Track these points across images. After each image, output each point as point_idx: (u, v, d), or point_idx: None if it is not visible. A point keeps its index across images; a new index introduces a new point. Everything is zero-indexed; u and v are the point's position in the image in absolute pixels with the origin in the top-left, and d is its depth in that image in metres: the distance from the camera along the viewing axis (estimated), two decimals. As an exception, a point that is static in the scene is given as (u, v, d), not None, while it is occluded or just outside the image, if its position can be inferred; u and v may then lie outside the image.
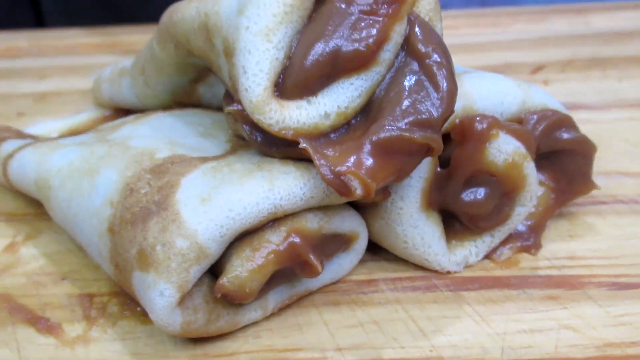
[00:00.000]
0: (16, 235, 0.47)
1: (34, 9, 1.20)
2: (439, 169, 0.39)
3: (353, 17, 0.35)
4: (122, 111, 0.57)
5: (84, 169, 0.41)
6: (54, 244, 0.46)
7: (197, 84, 0.48)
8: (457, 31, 0.77)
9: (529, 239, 0.43)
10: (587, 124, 0.56)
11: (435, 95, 0.35)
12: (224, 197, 0.35)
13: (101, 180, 0.39)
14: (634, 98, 0.61)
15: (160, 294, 0.34)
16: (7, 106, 0.64)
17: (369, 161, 0.34)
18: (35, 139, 0.51)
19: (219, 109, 0.48)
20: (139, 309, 0.40)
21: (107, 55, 0.74)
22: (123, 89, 0.54)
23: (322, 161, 0.34)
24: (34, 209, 0.49)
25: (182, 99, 0.50)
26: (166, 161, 0.39)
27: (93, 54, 0.75)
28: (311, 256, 0.36)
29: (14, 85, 0.68)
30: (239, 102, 0.36)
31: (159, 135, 0.43)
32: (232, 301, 0.36)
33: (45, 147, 0.45)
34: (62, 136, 0.52)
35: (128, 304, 0.40)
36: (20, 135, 0.52)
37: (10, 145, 0.49)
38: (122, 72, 0.54)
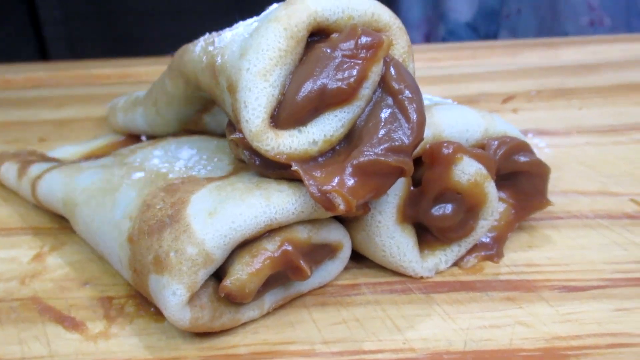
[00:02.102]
0: (43, 246, 0.53)
1: (38, 42, 1.25)
2: (412, 188, 0.45)
3: (337, 60, 0.41)
4: (135, 137, 0.63)
5: (106, 188, 0.47)
6: (76, 254, 0.52)
7: (203, 113, 0.55)
8: (439, 63, 0.83)
9: (492, 249, 0.49)
10: (549, 149, 0.62)
11: (407, 125, 0.41)
12: (227, 212, 0.40)
13: (121, 197, 0.46)
14: (591, 125, 0.67)
15: (173, 293, 0.40)
16: (30, 132, 0.70)
17: (350, 181, 0.40)
18: (58, 162, 0.57)
19: (222, 135, 0.54)
20: (152, 309, 0.45)
21: (119, 86, 0.80)
22: (136, 118, 0.60)
23: (310, 181, 0.40)
24: (57, 224, 0.55)
25: (189, 127, 0.56)
26: (177, 181, 0.45)
27: (106, 84, 0.82)
28: (301, 262, 0.42)
29: (35, 113, 0.74)
30: (241, 131, 0.42)
31: (171, 159, 0.49)
32: (233, 300, 0.41)
33: (70, 169, 0.51)
34: (83, 159, 0.58)
35: (143, 305, 0.46)
36: (44, 158, 0.58)
37: (37, 167, 0.55)
38: (135, 103, 0.61)
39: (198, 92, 0.51)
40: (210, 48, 0.45)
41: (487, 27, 1.11)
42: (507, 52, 0.85)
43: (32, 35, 1.25)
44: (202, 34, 0.49)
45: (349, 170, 0.40)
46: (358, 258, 0.48)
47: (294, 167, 0.41)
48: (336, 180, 0.40)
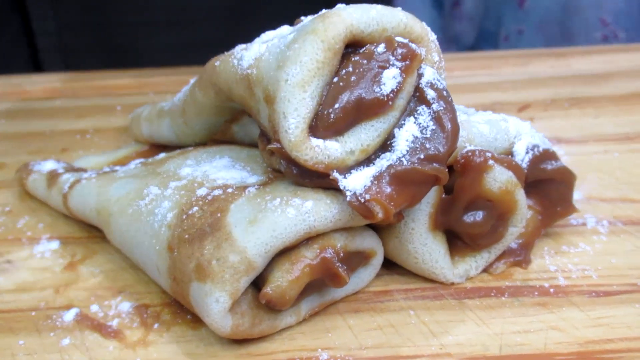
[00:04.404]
0: (74, 255, 0.53)
1: (32, 53, 1.26)
2: (444, 196, 0.46)
3: (373, 71, 0.42)
4: (159, 146, 0.64)
5: (140, 197, 0.48)
6: (108, 263, 0.52)
7: (232, 123, 0.55)
8: (452, 73, 0.84)
9: (520, 255, 0.50)
10: (567, 156, 0.64)
11: (442, 135, 0.42)
12: (268, 220, 0.41)
13: (158, 206, 0.46)
14: (607, 133, 0.68)
15: (216, 300, 0.41)
16: (51, 143, 0.71)
17: (388, 190, 0.41)
18: (85, 171, 0.58)
19: (251, 145, 0.55)
20: (189, 316, 0.46)
21: (137, 97, 0.81)
22: (162, 128, 0.60)
23: (349, 190, 0.41)
24: (87, 233, 0.55)
25: (217, 137, 0.57)
26: (214, 190, 0.45)
27: (124, 95, 0.82)
28: (339, 269, 0.43)
29: (55, 124, 0.75)
30: (278, 141, 0.43)
31: (204, 168, 0.49)
32: (273, 307, 0.42)
33: (102, 179, 0.52)
34: (112, 166, 0.59)
35: (179, 312, 0.46)
36: (72, 169, 0.59)
37: (67, 178, 0.55)
38: (160, 113, 0.61)
39: (229, 102, 0.51)
40: (244, 59, 0.46)
41: (488, 49, 1.13)
42: (519, 61, 0.87)
43: (25, 46, 1.26)
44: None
45: (386, 179, 0.41)
46: (388, 265, 0.49)
47: (333, 176, 0.41)
48: (374, 188, 0.41)
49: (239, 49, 0.48)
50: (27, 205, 0.60)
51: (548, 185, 0.50)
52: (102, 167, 0.61)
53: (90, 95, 0.82)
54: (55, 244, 0.54)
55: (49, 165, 0.60)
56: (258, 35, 0.49)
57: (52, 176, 0.57)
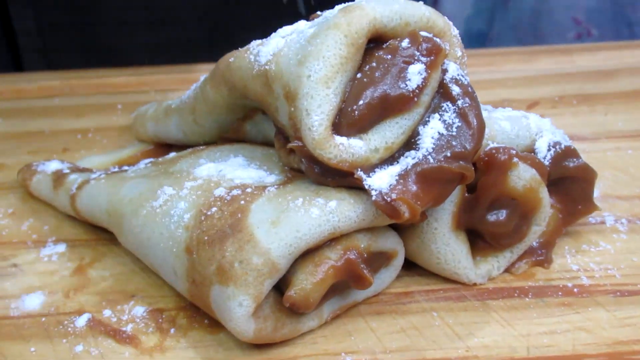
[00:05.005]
0: (82, 258, 0.51)
1: (12, 53, 1.23)
2: (466, 194, 0.45)
3: (398, 67, 0.41)
4: (164, 146, 0.62)
5: (154, 198, 0.46)
6: (118, 266, 0.50)
7: (245, 121, 0.54)
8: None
9: (542, 254, 0.49)
10: (580, 154, 0.63)
11: (468, 131, 0.41)
12: (291, 221, 0.40)
13: (173, 207, 0.45)
14: (618, 130, 0.68)
15: (240, 304, 0.39)
16: (52, 142, 0.69)
17: (414, 188, 0.40)
18: (92, 172, 0.56)
19: (263, 143, 0.53)
20: (206, 321, 0.45)
21: (137, 95, 0.79)
22: (170, 127, 0.59)
23: (374, 189, 0.40)
24: (94, 235, 0.54)
25: (228, 135, 0.55)
26: (232, 190, 0.44)
27: (123, 92, 0.80)
28: (364, 270, 0.42)
29: (55, 123, 0.73)
30: (300, 139, 0.41)
31: (220, 167, 0.48)
32: (297, 310, 0.41)
33: (113, 180, 0.50)
34: (118, 166, 0.57)
35: (196, 317, 0.45)
36: (78, 169, 0.57)
37: (74, 178, 0.53)
38: (167, 112, 0.59)
39: (242, 100, 0.50)
40: (261, 55, 0.45)
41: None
42: (522, 58, 0.86)
43: (5, 46, 1.24)
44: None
45: (412, 177, 0.40)
46: (408, 265, 0.48)
47: (358, 175, 0.40)
48: (400, 187, 0.40)
49: (255, 44, 0.47)
50: (31, 207, 0.58)
51: (569, 184, 0.49)
52: (108, 167, 0.59)
53: (88, 94, 0.80)
54: (62, 247, 0.53)
55: (53, 165, 0.58)
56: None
57: (58, 177, 0.55)
